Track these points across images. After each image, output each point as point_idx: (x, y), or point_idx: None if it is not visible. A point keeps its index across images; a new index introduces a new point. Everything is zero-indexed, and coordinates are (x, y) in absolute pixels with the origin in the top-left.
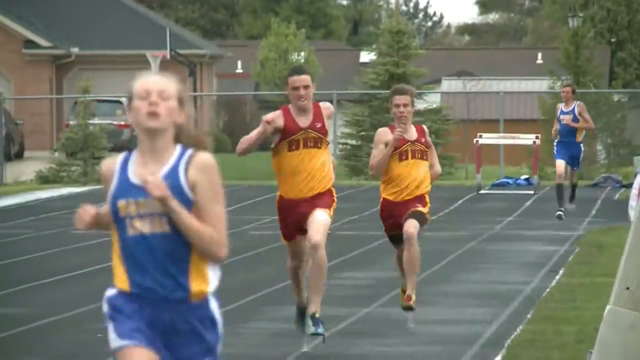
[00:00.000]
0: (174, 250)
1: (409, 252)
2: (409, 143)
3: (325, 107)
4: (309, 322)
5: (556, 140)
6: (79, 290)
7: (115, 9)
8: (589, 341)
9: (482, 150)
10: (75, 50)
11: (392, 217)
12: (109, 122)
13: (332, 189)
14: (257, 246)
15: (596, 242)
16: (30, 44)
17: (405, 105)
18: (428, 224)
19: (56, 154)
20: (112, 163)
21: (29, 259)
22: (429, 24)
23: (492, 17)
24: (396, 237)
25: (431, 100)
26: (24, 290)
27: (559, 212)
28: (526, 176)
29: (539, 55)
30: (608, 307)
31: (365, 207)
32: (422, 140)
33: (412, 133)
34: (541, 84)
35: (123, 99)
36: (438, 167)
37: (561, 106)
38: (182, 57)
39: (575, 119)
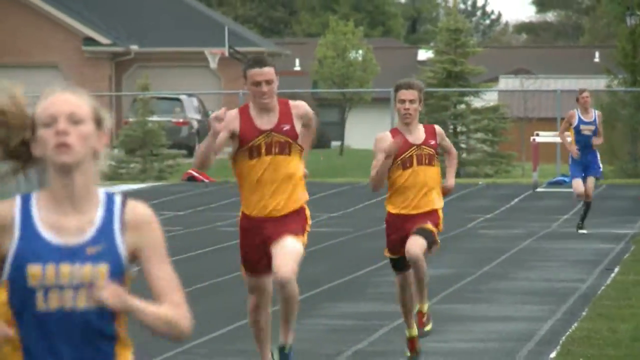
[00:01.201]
0: (98, 331)
1: (417, 274)
2: (414, 147)
3: (297, 105)
4: (275, 355)
5: (573, 155)
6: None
7: (174, 7)
8: None
9: (539, 148)
10: (134, 47)
11: (397, 234)
12: (168, 119)
13: (305, 206)
14: (315, 243)
15: None
16: (89, 41)
17: (411, 102)
18: (437, 247)
19: (115, 151)
20: (4, 212)
21: None
22: (487, 22)
23: (550, 15)
24: (398, 262)
25: (488, 98)
26: None
27: (580, 230)
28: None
29: (596, 53)
30: None
31: None
32: (431, 143)
33: (419, 135)
34: (598, 83)
35: (182, 96)
36: (451, 180)
37: (577, 113)
38: (240, 54)
39: (595, 131)
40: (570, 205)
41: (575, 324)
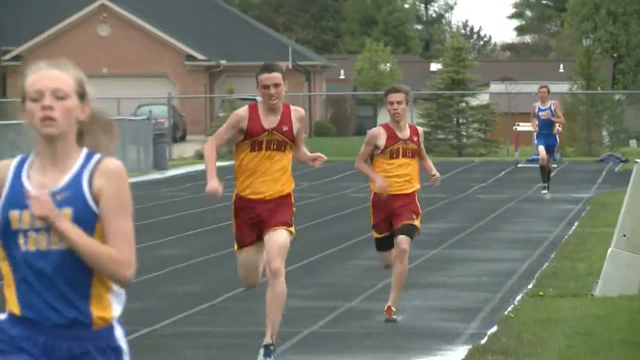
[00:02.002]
0: (73, 269)
1: (400, 266)
2: (401, 141)
3: (296, 109)
4: (261, 351)
5: (536, 133)
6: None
7: (252, 32)
8: (596, 274)
9: (520, 135)
10: (223, 62)
11: (382, 210)
12: None
13: (291, 193)
14: (356, 204)
15: (602, 202)
16: (190, 57)
17: (399, 103)
18: (418, 235)
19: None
20: (3, 168)
21: (187, 214)
22: (481, 42)
23: (527, 37)
24: (382, 242)
25: (482, 98)
26: (186, 236)
27: (543, 191)
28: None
29: (561, 65)
30: (610, 249)
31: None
32: (414, 140)
33: (406, 132)
34: (563, 87)
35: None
36: (434, 170)
37: (538, 105)
38: (300, 67)
39: (552, 115)
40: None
41: (546, 264)
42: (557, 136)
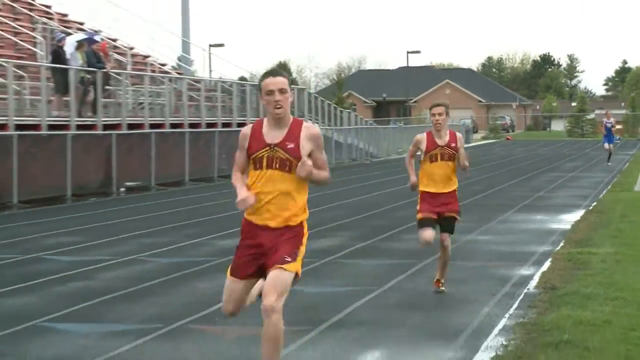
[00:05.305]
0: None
1: (444, 256)
2: (439, 147)
3: (308, 126)
4: None
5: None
6: None
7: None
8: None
9: None
10: None
11: (427, 204)
12: None
13: (304, 224)
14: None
15: None
16: None
17: (439, 114)
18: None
19: None
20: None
21: None
22: None
23: None
24: (424, 221)
25: None
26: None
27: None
28: None
29: None
30: None
31: None
32: (452, 145)
33: (445, 139)
34: None
35: None
36: (465, 162)
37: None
38: None
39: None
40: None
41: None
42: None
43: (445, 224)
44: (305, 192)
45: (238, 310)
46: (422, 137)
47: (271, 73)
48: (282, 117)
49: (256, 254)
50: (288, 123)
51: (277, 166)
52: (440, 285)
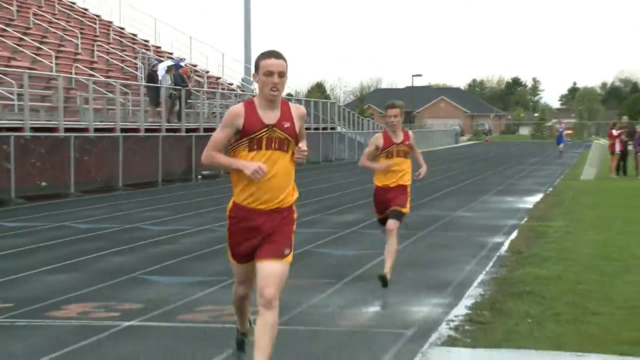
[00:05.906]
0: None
1: (390, 242)
2: (394, 145)
3: (297, 106)
4: None
5: None
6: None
7: None
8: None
9: None
10: None
11: (380, 199)
12: None
13: (293, 205)
14: None
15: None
16: None
17: (395, 116)
18: (405, 217)
19: None
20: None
21: None
22: None
23: None
24: (380, 220)
25: None
26: None
27: None
28: None
29: None
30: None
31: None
32: (407, 143)
33: (400, 136)
34: None
35: None
36: (424, 165)
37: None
38: None
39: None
40: None
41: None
42: None
43: (392, 213)
44: (294, 171)
45: (250, 290)
46: (379, 136)
47: (273, 54)
48: (276, 100)
49: (252, 236)
50: (279, 104)
51: (277, 146)
52: (387, 275)
